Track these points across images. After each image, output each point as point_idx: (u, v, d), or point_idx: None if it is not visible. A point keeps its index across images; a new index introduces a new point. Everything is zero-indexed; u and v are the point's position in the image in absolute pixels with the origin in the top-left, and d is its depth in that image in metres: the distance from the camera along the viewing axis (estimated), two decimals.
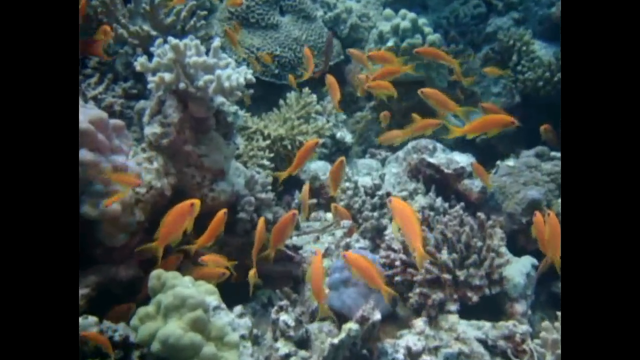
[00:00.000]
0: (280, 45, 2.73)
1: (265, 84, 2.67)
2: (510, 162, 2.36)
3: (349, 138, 2.66)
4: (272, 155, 2.26)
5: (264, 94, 2.67)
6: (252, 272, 1.62)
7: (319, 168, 2.41)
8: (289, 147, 2.36)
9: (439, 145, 2.15)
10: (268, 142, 2.26)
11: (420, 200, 1.89)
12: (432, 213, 1.78)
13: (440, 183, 2.04)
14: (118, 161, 1.49)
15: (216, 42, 1.76)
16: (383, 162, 2.67)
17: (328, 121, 2.63)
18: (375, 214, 1.87)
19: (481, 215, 1.63)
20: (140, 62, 1.74)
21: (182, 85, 1.68)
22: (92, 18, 2.06)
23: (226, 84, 1.70)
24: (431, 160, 2.03)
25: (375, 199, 1.91)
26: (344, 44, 3.06)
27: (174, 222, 1.38)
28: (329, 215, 2.26)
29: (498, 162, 2.85)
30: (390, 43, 2.64)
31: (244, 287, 1.74)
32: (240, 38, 2.62)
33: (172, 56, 1.68)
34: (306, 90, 2.62)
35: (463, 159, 2.02)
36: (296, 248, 1.97)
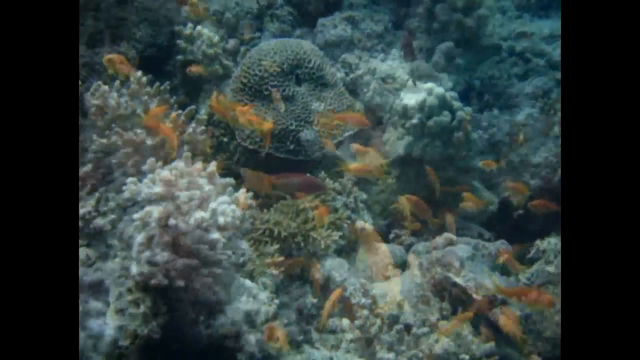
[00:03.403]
0: (297, 119, 2.52)
1: (281, 161, 2.48)
2: (551, 268, 2.09)
3: (369, 225, 2.43)
4: (282, 258, 2.06)
5: (280, 171, 2.47)
6: None
7: (335, 267, 2.19)
8: (302, 244, 2.15)
9: (467, 260, 1.91)
10: (277, 246, 2.06)
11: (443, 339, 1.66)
12: None
13: (468, 305, 1.80)
14: (94, 329, 1.32)
15: (211, 167, 1.57)
16: (408, 248, 2.44)
17: (346, 206, 2.42)
18: (391, 355, 1.65)
19: None
20: (129, 189, 1.57)
21: (172, 222, 1.49)
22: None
23: (221, 220, 1.50)
24: (457, 280, 1.79)
25: (393, 334, 1.69)
26: (367, 108, 2.83)
27: None
28: (345, 322, 2.04)
29: (537, 242, 2.58)
30: (415, 120, 2.40)
31: None
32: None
33: (161, 191, 1.50)
34: (322, 174, 2.42)
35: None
36: None
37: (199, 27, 2.67)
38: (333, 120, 2.37)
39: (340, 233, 2.25)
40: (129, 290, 1.55)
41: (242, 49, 2.81)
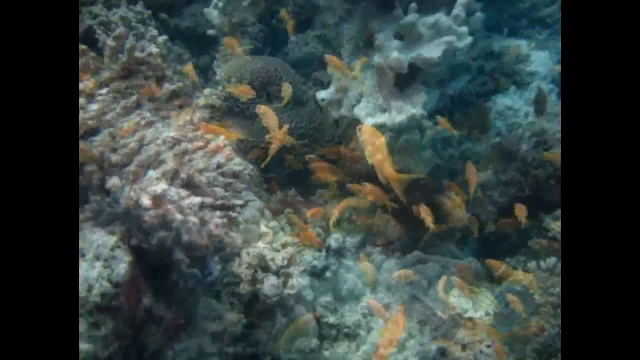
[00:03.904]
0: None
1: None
2: (518, 286, 2.09)
3: (349, 243, 2.42)
4: (250, 278, 2.04)
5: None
6: None
7: (305, 285, 2.16)
8: (271, 264, 2.13)
9: (435, 279, 1.91)
10: (245, 266, 2.04)
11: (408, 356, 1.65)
12: None
13: (436, 324, 1.79)
14: None
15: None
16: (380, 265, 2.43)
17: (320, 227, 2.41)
18: None
19: None
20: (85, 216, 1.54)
21: (134, 240, 1.46)
22: None
23: (185, 238, 1.48)
24: (425, 300, 1.79)
25: (360, 355, 1.67)
26: (339, 125, 2.83)
27: None
28: (314, 342, 2.03)
29: (507, 260, 2.59)
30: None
31: None
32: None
33: (122, 210, 1.47)
34: (292, 191, 2.40)
35: (462, 302, 1.77)
36: None
37: (169, 44, 2.65)
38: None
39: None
40: (89, 312, 1.50)
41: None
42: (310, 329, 2.00)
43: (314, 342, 1.96)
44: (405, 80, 2.20)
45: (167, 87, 1.77)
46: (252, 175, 2.31)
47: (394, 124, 2.15)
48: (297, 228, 2.13)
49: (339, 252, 2.38)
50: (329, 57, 2.27)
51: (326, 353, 2.13)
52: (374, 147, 1.44)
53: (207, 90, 2.48)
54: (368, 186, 1.92)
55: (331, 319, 2.18)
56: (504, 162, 2.69)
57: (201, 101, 2.05)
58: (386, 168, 1.42)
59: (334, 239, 2.42)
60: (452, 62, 2.20)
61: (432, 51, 2.03)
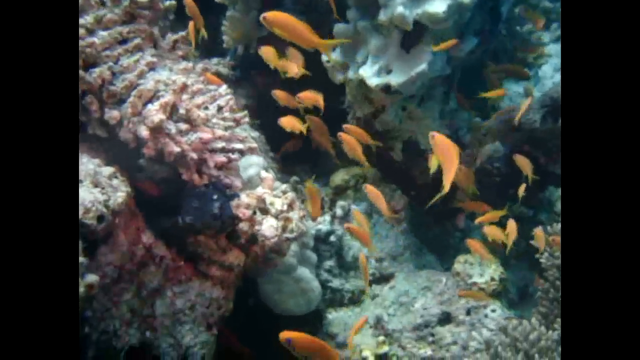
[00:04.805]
0: None
1: None
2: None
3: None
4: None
5: None
6: None
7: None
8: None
9: None
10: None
11: None
12: None
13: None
14: None
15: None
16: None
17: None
18: None
19: None
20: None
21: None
22: None
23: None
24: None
25: None
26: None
27: None
28: None
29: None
30: None
31: None
32: None
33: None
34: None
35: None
36: None
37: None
38: None
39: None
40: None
41: None
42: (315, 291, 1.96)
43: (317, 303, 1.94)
44: (411, 41, 2.16)
45: (170, 36, 1.77)
46: (256, 139, 2.30)
47: (399, 84, 2.11)
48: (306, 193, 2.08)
49: (345, 220, 2.36)
50: None
51: (330, 316, 2.10)
52: (286, 28, 1.40)
53: (214, 59, 2.48)
54: (352, 127, 1.89)
55: (335, 283, 2.16)
56: (513, 133, 2.65)
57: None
58: (308, 37, 1.41)
59: (340, 207, 2.40)
60: (459, 21, 2.15)
61: (437, 6, 1.99)
